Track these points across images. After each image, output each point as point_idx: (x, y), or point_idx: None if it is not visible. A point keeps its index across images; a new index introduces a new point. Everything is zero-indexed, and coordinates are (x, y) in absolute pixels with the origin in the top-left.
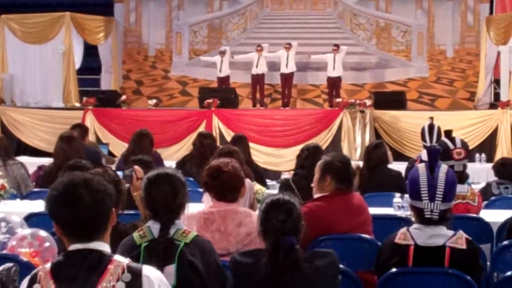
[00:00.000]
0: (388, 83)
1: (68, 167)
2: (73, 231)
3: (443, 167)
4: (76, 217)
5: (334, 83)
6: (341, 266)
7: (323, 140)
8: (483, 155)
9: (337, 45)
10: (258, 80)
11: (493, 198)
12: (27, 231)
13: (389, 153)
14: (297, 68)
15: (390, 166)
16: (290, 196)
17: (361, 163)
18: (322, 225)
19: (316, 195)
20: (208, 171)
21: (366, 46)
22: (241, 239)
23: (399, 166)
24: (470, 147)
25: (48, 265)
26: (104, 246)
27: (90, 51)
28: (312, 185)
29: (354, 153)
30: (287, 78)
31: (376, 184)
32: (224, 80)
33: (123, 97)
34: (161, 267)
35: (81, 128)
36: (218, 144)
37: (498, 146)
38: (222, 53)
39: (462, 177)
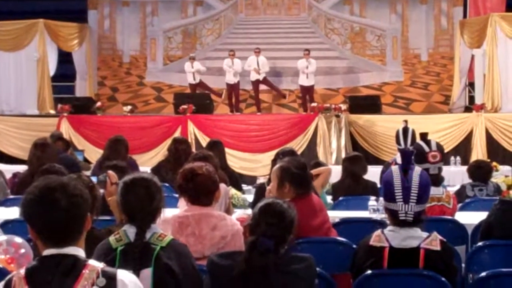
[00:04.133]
0: (363, 87)
1: (42, 171)
2: (48, 235)
3: (417, 169)
4: (52, 221)
5: (307, 91)
6: (317, 269)
7: (299, 144)
8: (458, 158)
9: (308, 50)
10: (233, 88)
11: (467, 200)
12: (2, 237)
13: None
14: (271, 73)
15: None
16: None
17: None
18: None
19: None
20: (182, 174)
21: (341, 51)
22: (215, 242)
23: (375, 170)
24: (445, 150)
25: (23, 271)
26: (78, 251)
27: (65, 58)
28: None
29: (330, 157)
30: (259, 84)
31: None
32: (196, 87)
33: (98, 103)
34: (137, 271)
35: (63, 141)
36: (193, 149)
37: (473, 149)
38: (193, 59)
39: (437, 179)
